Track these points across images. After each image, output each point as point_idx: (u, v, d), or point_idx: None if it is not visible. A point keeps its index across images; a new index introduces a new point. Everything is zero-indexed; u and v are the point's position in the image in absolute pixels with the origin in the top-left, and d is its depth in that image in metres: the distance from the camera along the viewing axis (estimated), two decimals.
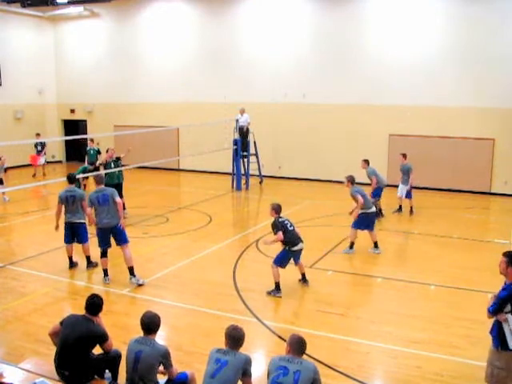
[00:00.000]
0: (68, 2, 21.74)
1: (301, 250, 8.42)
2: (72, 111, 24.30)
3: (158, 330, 5.16)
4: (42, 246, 10.96)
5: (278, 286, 8.30)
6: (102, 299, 5.50)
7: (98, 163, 13.44)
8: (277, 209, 8.45)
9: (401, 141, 17.80)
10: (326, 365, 6.04)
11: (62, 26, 23.89)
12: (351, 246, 10.51)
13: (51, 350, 5.63)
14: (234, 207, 16.23)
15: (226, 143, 17.79)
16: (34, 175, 19.58)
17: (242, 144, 17.93)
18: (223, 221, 13.36)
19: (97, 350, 5.47)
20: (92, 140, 17.55)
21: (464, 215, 14.15)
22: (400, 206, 13.97)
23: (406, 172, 13.66)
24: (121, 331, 6.67)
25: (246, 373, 4.66)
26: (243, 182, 17.98)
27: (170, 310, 7.76)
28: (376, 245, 10.53)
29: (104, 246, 8.76)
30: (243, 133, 18.04)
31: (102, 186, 8.91)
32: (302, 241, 8.42)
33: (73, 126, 24.33)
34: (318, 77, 18.75)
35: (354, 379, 5.81)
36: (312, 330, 7.02)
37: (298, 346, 4.58)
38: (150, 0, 21.61)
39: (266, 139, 19.23)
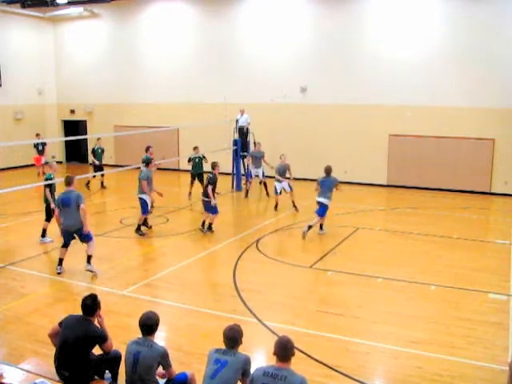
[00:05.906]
0: (68, 3, 21.72)
1: None
2: (72, 111, 24.28)
3: (156, 330, 5.16)
4: (42, 246, 10.97)
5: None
6: (94, 299, 5.47)
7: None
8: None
9: (401, 141, 17.82)
10: (325, 365, 6.05)
11: (62, 27, 23.89)
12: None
13: (51, 351, 5.63)
14: (234, 207, 16.21)
15: (225, 143, 17.79)
16: (38, 174, 19.57)
17: (242, 144, 17.94)
18: (223, 221, 13.33)
19: (97, 351, 5.47)
20: (99, 139, 18.02)
21: (464, 215, 14.16)
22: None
23: (283, 171, 14.50)
24: (121, 331, 6.67)
25: (245, 373, 4.65)
26: (243, 182, 17.99)
27: (170, 310, 7.76)
28: None
29: None
30: (243, 133, 18.03)
31: None
32: None
33: (73, 127, 24.32)
34: (317, 77, 18.75)
35: (354, 379, 5.80)
36: (312, 330, 7.03)
37: (279, 350, 4.39)
38: (150, 0, 21.62)
39: (266, 139, 19.22)
